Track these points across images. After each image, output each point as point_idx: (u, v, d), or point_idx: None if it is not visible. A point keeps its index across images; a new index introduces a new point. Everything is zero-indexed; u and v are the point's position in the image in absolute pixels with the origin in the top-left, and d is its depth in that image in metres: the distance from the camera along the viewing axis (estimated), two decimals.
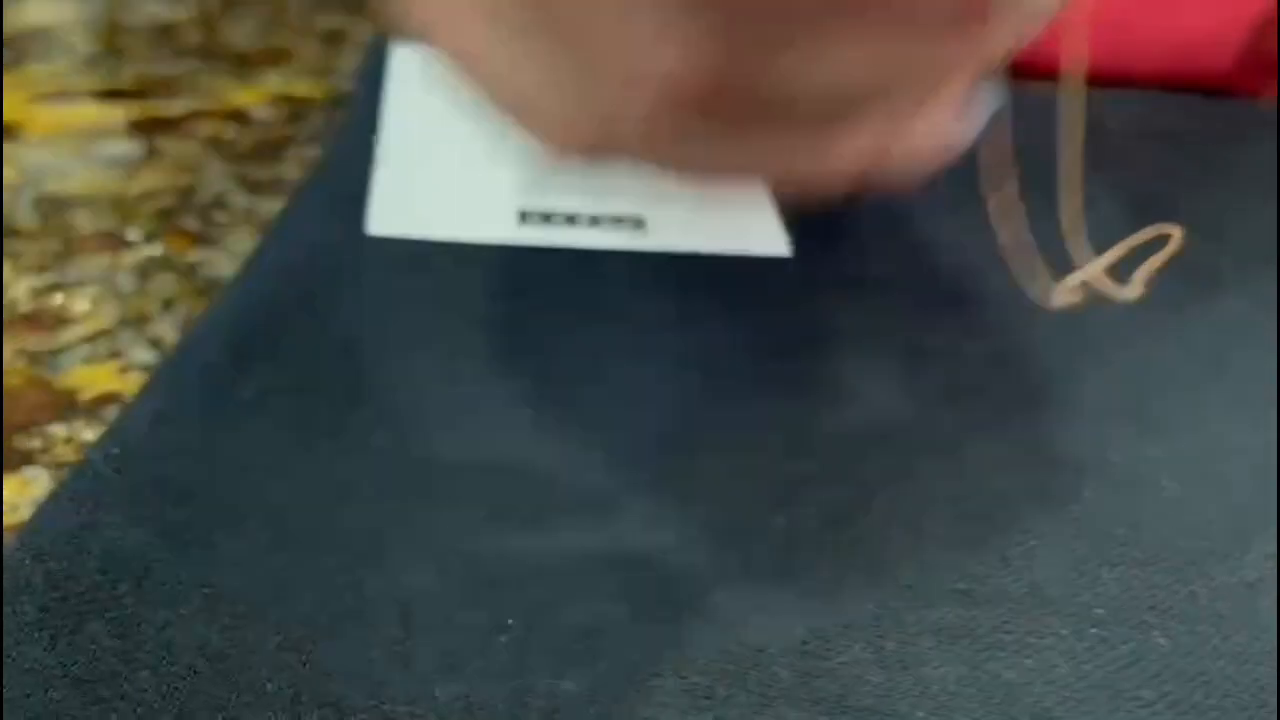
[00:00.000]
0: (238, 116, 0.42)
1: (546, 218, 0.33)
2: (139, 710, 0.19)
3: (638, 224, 0.33)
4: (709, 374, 0.28)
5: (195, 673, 0.19)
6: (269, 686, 0.19)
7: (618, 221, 0.33)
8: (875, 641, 0.22)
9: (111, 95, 0.43)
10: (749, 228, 0.33)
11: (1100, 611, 0.23)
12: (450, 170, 0.34)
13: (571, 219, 0.33)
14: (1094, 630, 0.22)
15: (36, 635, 0.19)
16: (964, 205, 0.35)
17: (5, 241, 0.33)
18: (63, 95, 0.42)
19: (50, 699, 0.19)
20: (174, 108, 0.42)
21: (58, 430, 0.27)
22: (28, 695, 0.18)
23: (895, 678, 0.21)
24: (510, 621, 0.21)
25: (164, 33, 0.49)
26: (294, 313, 0.28)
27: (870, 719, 0.20)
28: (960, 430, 0.27)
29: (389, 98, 0.37)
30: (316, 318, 0.28)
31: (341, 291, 0.29)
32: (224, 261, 0.33)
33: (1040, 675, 0.22)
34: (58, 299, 0.31)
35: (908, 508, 0.25)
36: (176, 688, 0.19)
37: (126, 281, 0.32)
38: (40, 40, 0.47)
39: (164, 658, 0.19)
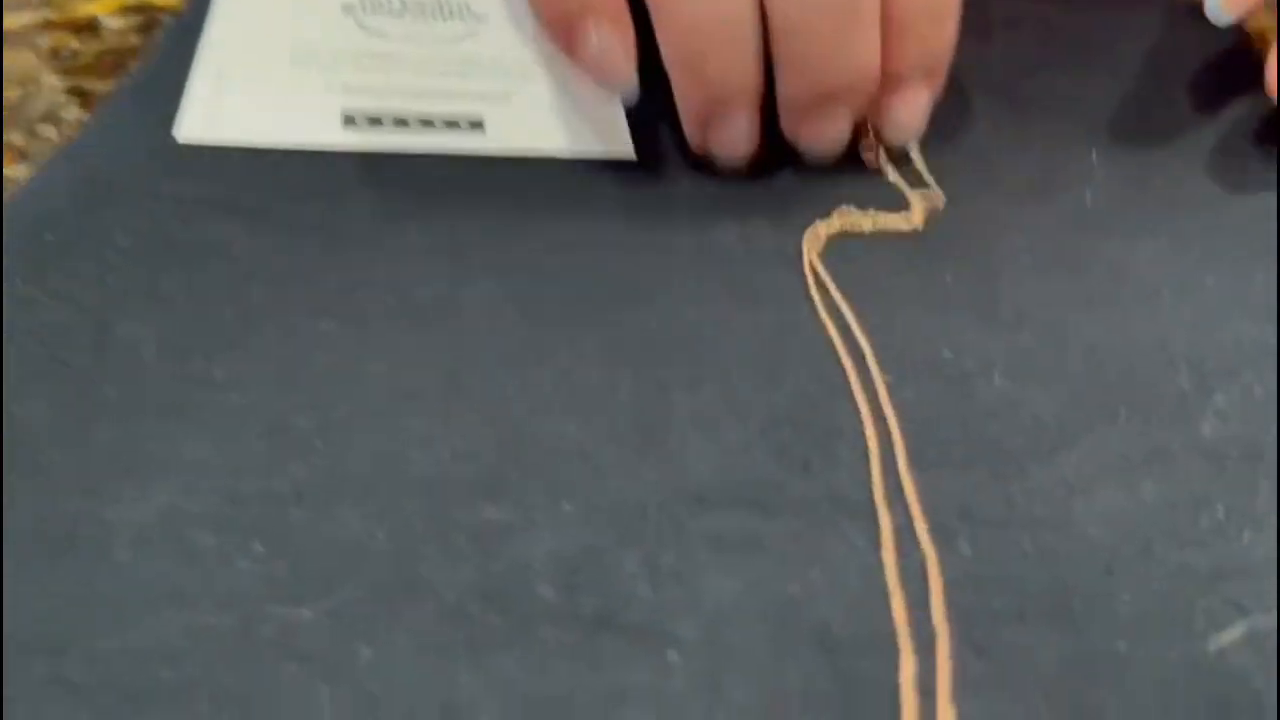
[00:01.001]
0: (87, 27, 0.40)
1: (374, 120, 0.31)
2: None
3: (475, 125, 0.31)
4: (530, 285, 0.26)
5: None
6: None
7: (452, 124, 0.31)
8: (651, 555, 0.20)
9: None
10: (593, 128, 0.31)
11: (904, 519, 0.22)
12: (271, 71, 0.32)
13: (402, 121, 0.31)
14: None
15: None
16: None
17: None
18: None
19: None
20: (20, 19, 0.40)
21: None
22: None
23: (668, 592, 0.20)
24: (260, 547, 0.20)
25: None
26: (72, 224, 0.26)
27: (634, 636, 0.19)
28: (777, 328, 0.26)
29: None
30: (97, 231, 0.26)
31: (135, 203, 0.27)
32: None
33: (827, 588, 0.20)
34: None
35: (713, 412, 0.23)
36: None
37: None
38: None
39: None
